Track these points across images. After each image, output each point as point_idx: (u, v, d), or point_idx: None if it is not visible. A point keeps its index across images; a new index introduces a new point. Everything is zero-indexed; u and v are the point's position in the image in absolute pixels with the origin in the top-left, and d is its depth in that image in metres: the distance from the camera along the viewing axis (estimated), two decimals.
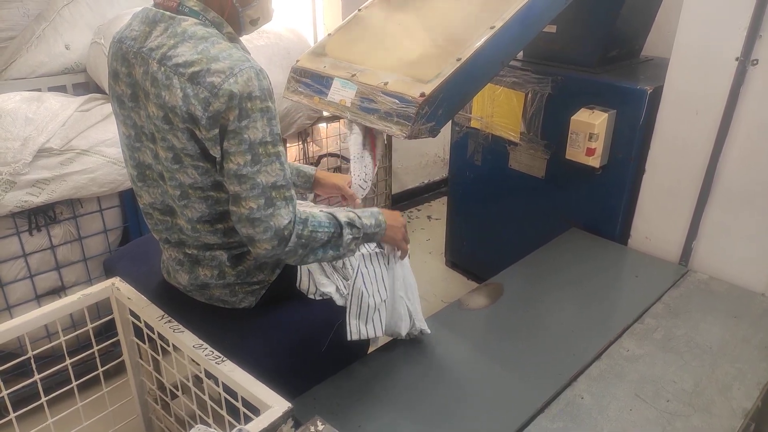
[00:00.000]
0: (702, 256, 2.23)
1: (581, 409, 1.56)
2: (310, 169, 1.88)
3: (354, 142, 1.71)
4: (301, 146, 2.98)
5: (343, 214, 1.44)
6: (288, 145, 2.94)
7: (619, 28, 2.37)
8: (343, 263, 1.63)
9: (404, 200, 4.13)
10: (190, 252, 1.50)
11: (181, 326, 1.45)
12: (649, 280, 2.15)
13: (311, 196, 2.04)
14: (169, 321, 1.47)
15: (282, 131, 2.78)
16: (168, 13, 1.32)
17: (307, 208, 1.55)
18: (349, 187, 1.77)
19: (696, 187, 2.16)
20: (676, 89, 2.12)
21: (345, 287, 1.62)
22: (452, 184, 3.05)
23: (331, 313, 1.60)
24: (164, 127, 1.29)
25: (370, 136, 1.73)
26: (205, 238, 1.44)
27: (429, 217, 3.95)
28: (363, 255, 1.64)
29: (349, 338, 1.60)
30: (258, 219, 1.27)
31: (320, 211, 1.42)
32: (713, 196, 2.13)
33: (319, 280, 1.61)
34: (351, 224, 1.43)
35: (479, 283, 2.20)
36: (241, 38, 1.43)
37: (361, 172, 1.73)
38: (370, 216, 1.50)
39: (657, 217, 2.31)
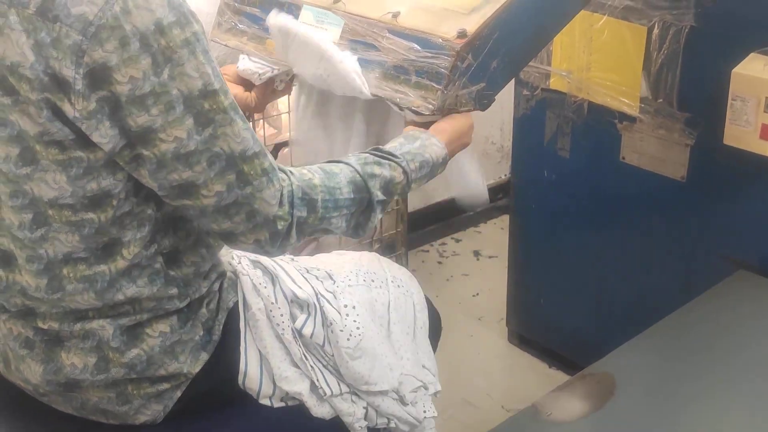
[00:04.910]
0: None
1: None
2: None
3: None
4: None
5: (370, 163, 1.13)
6: None
7: None
8: (330, 328, 1.21)
9: (430, 223, 3.31)
10: (45, 326, 1.14)
11: None
12: None
13: None
14: None
15: None
16: None
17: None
18: None
19: None
20: None
21: (329, 384, 1.20)
22: (518, 194, 2.53)
23: None
24: (1, 102, 1.00)
25: None
26: (74, 297, 1.09)
27: (476, 254, 3.26)
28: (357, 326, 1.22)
29: None
30: (234, 204, 1.05)
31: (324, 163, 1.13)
32: None
33: (281, 372, 1.18)
34: (387, 185, 1.14)
35: (571, 373, 1.91)
36: None
37: None
38: (418, 149, 1.18)
39: None
